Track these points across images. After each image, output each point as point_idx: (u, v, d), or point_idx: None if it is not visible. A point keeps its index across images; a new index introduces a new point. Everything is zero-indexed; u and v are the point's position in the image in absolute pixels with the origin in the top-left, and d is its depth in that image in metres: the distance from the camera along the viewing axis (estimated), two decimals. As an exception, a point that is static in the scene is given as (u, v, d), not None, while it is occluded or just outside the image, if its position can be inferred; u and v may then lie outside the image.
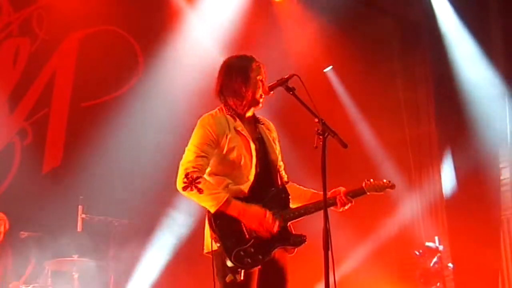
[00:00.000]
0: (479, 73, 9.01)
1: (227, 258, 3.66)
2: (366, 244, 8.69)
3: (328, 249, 3.44)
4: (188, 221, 8.03)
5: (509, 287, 8.65)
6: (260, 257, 3.72)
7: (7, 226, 7.22)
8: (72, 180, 7.95)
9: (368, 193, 3.99)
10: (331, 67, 9.29)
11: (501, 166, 8.94)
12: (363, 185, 3.99)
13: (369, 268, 8.50)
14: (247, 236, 3.74)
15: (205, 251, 3.85)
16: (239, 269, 3.65)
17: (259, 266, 3.73)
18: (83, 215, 6.83)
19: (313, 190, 4.09)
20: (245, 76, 3.96)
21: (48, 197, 7.73)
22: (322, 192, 3.68)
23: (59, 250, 7.07)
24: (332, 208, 3.95)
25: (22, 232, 7.13)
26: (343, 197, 3.92)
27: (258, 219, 3.74)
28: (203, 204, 3.78)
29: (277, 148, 4.13)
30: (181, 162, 3.85)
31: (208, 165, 3.87)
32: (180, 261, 8.18)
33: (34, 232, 7.24)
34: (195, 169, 3.79)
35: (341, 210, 3.96)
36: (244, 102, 3.98)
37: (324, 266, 3.41)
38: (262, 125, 4.09)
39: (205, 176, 3.87)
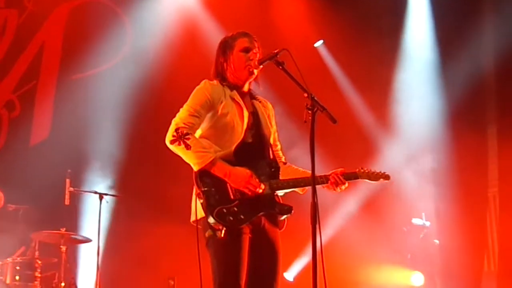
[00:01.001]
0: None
1: (209, 214, 3.68)
2: (354, 219, 8.72)
3: (315, 223, 3.46)
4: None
5: (494, 263, 8.73)
6: (242, 217, 3.73)
7: (2, 204, 7.18)
8: (60, 153, 7.92)
9: (360, 179, 4.04)
10: (322, 41, 9.25)
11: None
12: (357, 170, 4.04)
13: (356, 245, 8.52)
14: (232, 196, 3.77)
15: (192, 219, 3.87)
16: (221, 227, 3.67)
17: (241, 226, 3.74)
18: (71, 188, 6.83)
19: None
20: (227, 53, 4.03)
21: (35, 170, 7.71)
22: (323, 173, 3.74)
23: (47, 223, 7.05)
24: (329, 188, 3.97)
25: (9, 205, 7.12)
26: (336, 176, 3.94)
27: (244, 179, 3.77)
28: (188, 161, 3.81)
29: (273, 127, 4.18)
30: (173, 119, 3.89)
31: (199, 125, 3.91)
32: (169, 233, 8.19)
33: (22, 205, 7.23)
34: (186, 126, 3.83)
35: (337, 190, 3.96)
36: (232, 77, 3.99)
37: (312, 240, 3.43)
38: (258, 102, 4.13)
39: None
